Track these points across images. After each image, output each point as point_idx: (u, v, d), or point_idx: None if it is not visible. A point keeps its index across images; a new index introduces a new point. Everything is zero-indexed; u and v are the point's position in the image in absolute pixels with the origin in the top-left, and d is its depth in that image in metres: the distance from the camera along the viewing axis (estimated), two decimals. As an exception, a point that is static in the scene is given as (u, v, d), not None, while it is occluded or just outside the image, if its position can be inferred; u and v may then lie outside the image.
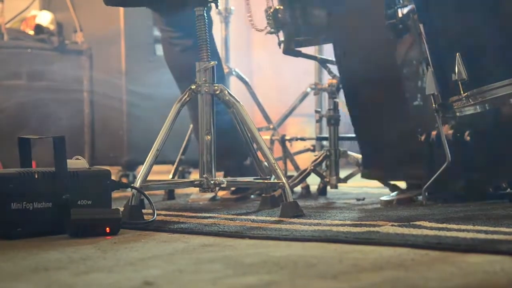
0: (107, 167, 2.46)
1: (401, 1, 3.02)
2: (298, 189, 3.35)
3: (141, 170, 2.52)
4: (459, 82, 2.52)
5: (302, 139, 3.79)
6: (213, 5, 2.66)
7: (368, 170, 2.97)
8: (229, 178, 2.84)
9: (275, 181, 2.61)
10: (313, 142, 3.75)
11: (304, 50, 3.20)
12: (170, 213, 2.71)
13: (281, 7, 3.11)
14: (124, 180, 4.14)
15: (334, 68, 3.25)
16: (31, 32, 4.18)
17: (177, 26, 3.09)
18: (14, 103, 3.94)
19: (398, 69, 2.89)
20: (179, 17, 3.06)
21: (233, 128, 2.74)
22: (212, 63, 2.61)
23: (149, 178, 2.51)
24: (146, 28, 4.23)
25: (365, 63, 2.91)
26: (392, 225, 2.15)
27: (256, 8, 3.16)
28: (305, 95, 3.90)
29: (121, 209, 2.38)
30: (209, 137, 2.59)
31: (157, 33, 3.91)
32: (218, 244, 1.99)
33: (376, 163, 2.94)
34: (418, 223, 2.17)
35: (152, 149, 2.54)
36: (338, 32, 2.96)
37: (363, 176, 2.98)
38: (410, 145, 2.85)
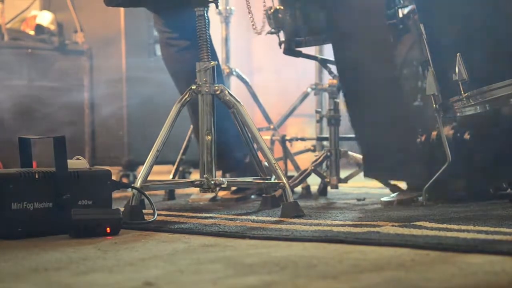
0: (108, 167, 2.46)
1: (401, 1, 3.02)
2: (298, 189, 3.35)
3: (142, 170, 2.52)
4: (460, 83, 2.52)
5: (303, 139, 3.79)
6: (213, 5, 2.66)
7: (370, 170, 2.96)
8: (229, 178, 2.84)
9: (276, 181, 2.60)
10: (314, 142, 3.75)
11: (304, 50, 3.20)
12: (171, 213, 2.71)
13: (282, 7, 3.11)
14: (125, 180, 4.14)
15: (335, 68, 3.25)
16: (32, 32, 4.18)
17: (175, 27, 3.10)
18: (14, 103, 3.94)
19: (397, 68, 2.89)
20: (177, 18, 3.07)
21: (232, 127, 2.74)
22: (212, 63, 2.61)
23: (149, 178, 2.51)
24: (146, 28, 4.23)
25: (364, 61, 2.90)
26: (392, 226, 2.15)
27: (256, 8, 3.16)
28: (305, 95, 3.90)
29: (122, 209, 2.38)
30: (209, 137, 2.59)
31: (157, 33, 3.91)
32: (218, 244, 1.99)
33: (377, 164, 2.94)
34: (418, 223, 2.17)
35: (152, 149, 2.54)
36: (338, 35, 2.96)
37: (365, 175, 2.98)
38: (409, 145, 2.85)
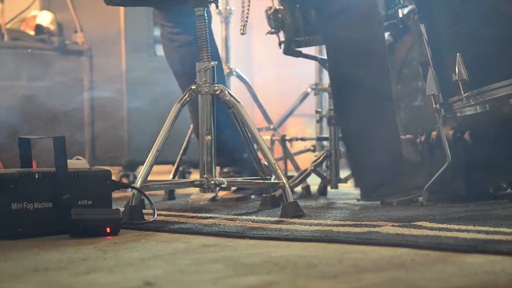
0: (108, 167, 2.46)
1: (401, 1, 3.02)
2: (298, 189, 3.35)
3: (142, 170, 2.52)
4: (460, 83, 2.52)
5: (303, 139, 3.79)
6: (213, 5, 2.66)
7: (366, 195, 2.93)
8: (229, 178, 2.84)
9: (276, 181, 2.60)
10: (314, 142, 3.75)
11: (304, 50, 3.19)
12: (171, 213, 2.71)
13: (281, 7, 3.11)
14: (125, 180, 4.14)
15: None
16: (32, 33, 4.18)
17: (177, 22, 3.10)
18: (14, 103, 3.94)
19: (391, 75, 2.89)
20: (178, 13, 3.06)
21: (231, 125, 2.73)
22: (212, 63, 2.61)
23: (149, 178, 2.51)
24: (146, 28, 4.23)
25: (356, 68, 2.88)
26: (392, 225, 2.15)
27: (256, 9, 3.15)
28: (305, 95, 3.90)
29: (122, 209, 2.38)
30: (209, 137, 2.59)
31: (157, 33, 3.91)
32: (218, 244, 1.98)
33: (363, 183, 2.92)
34: (418, 223, 2.17)
35: (152, 149, 2.54)
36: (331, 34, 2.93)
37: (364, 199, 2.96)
38: (396, 162, 2.84)
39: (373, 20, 2.82)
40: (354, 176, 2.99)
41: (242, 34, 2.81)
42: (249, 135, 2.69)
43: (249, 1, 2.82)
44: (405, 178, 2.80)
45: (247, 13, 2.78)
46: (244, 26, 2.73)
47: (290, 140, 3.71)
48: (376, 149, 2.84)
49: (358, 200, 3.08)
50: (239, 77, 3.85)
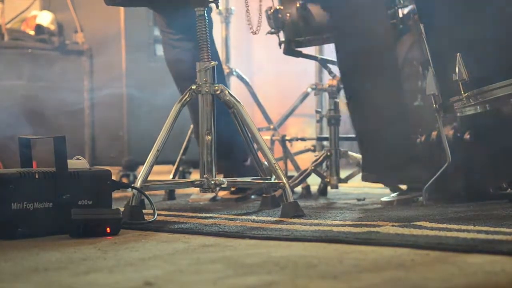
0: (108, 167, 2.46)
1: (401, 1, 3.02)
2: (298, 189, 3.35)
3: (142, 170, 2.52)
4: (460, 83, 2.52)
5: (303, 139, 3.79)
6: (213, 5, 2.66)
7: (369, 173, 2.94)
8: (229, 179, 2.84)
9: (276, 181, 2.60)
10: (314, 142, 3.75)
11: (304, 50, 3.20)
12: (171, 213, 2.71)
13: (281, 7, 3.11)
14: (125, 180, 4.14)
15: (335, 68, 3.25)
16: (32, 33, 4.18)
17: (178, 28, 3.09)
18: (14, 103, 3.94)
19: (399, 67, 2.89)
20: (179, 19, 3.06)
21: (233, 129, 2.74)
22: (212, 63, 2.61)
23: (149, 178, 2.51)
24: (146, 28, 4.23)
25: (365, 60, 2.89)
26: (392, 226, 2.15)
27: (254, 8, 3.16)
28: (305, 95, 3.90)
29: (122, 209, 2.38)
30: (209, 137, 2.59)
31: (157, 33, 3.92)
32: (218, 244, 1.99)
33: (376, 167, 2.92)
34: (418, 223, 2.17)
35: (152, 149, 2.54)
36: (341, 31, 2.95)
37: (363, 179, 2.97)
38: (408, 148, 2.84)
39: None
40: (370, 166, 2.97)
41: (254, 33, 2.85)
42: (249, 135, 2.69)
43: (260, 1, 2.84)
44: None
45: (260, 15, 2.80)
46: (258, 26, 2.76)
47: (290, 140, 3.71)
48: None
49: (358, 200, 3.08)
50: (239, 77, 3.85)
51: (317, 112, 3.53)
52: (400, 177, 2.84)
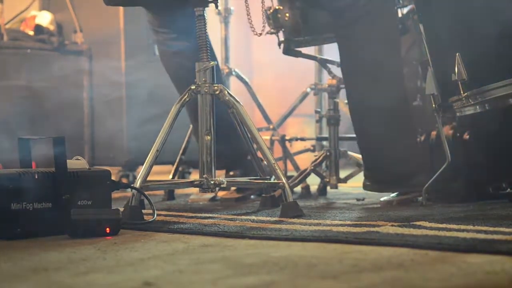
0: (107, 168, 2.46)
1: (401, 1, 3.02)
2: (298, 189, 3.35)
3: (141, 170, 2.52)
4: (459, 82, 2.52)
5: (302, 139, 3.78)
6: (212, 5, 2.66)
7: (371, 183, 2.92)
8: (229, 178, 2.85)
9: (275, 181, 2.60)
10: (313, 142, 3.74)
11: (304, 50, 3.19)
12: (170, 213, 2.71)
13: (281, 7, 3.11)
14: (124, 180, 4.14)
15: (334, 68, 3.25)
16: (31, 33, 4.18)
17: (173, 27, 3.08)
18: (14, 103, 3.94)
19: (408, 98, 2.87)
20: (175, 19, 3.05)
21: (234, 130, 2.74)
22: (212, 63, 2.61)
23: (149, 178, 2.51)
24: (146, 28, 4.22)
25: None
26: (392, 225, 2.15)
27: (255, 8, 3.15)
28: (305, 95, 3.89)
29: (121, 209, 2.38)
30: (209, 137, 2.59)
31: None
32: (218, 244, 1.99)
33: (377, 177, 2.90)
34: (418, 223, 2.17)
35: (152, 149, 2.54)
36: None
37: (365, 188, 2.95)
38: (413, 157, 2.83)
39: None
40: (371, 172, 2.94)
41: (258, 35, 2.86)
42: (249, 135, 2.69)
43: (263, 2, 2.84)
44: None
45: (263, 17, 2.82)
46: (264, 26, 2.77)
47: (290, 140, 3.71)
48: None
49: (358, 200, 3.08)
50: (239, 77, 3.85)
51: (316, 112, 3.53)
52: (406, 187, 2.83)
